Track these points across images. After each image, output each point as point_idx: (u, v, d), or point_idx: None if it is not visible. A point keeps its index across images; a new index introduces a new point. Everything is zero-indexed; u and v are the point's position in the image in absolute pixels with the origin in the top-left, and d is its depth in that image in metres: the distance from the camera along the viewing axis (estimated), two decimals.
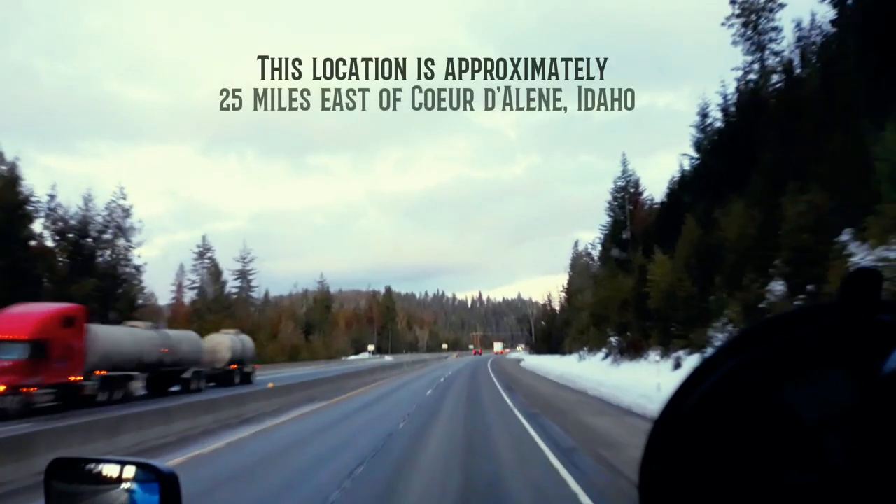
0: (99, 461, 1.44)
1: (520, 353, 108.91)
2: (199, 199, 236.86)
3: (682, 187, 34.97)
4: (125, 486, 1.37)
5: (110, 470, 1.40)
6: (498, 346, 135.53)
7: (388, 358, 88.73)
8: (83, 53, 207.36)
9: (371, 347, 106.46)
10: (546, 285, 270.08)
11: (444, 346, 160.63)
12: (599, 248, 56.03)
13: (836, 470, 0.60)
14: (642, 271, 30.93)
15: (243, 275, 76.79)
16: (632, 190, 49.61)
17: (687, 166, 35.78)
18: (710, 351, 0.70)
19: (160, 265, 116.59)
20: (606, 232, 51.00)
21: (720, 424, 0.67)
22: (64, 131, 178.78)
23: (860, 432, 0.60)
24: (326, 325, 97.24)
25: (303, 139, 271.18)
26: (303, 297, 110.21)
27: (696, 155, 34.42)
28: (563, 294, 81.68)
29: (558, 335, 67.74)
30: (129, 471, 1.38)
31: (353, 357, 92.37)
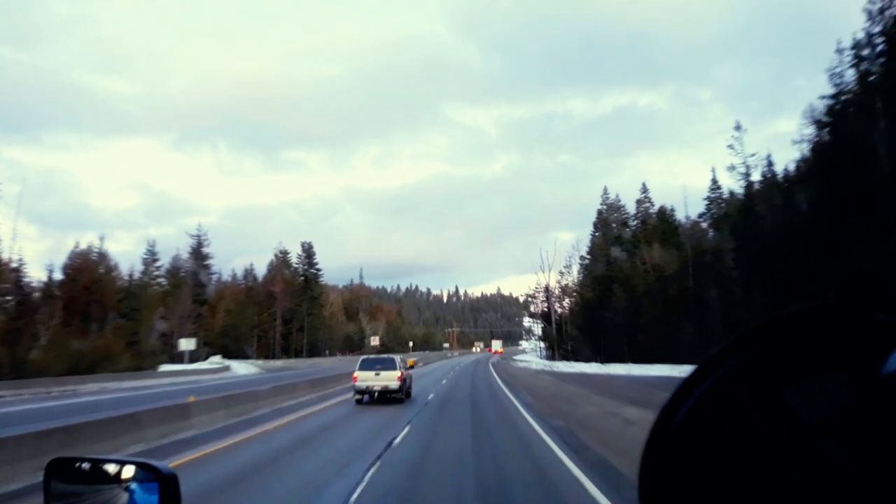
0: (98, 461, 1.43)
1: (535, 356, 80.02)
2: (171, 194, 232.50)
3: None
4: (124, 485, 1.37)
5: (110, 469, 1.40)
6: (496, 345, 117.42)
7: (242, 370, 46.42)
8: (51, 43, 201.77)
9: (185, 345, 49.36)
10: (527, 282, 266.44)
11: (375, 340, 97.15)
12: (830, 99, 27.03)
13: (835, 470, 0.60)
14: None
15: None
16: None
17: None
18: (710, 351, 0.72)
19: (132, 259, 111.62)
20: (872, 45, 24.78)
21: (720, 424, 0.67)
22: (30, 123, 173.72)
23: (860, 433, 0.60)
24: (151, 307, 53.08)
25: (278, 134, 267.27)
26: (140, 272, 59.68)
27: None
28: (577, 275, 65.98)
29: (612, 328, 46.04)
30: (129, 470, 1.38)
31: (167, 368, 43.67)
